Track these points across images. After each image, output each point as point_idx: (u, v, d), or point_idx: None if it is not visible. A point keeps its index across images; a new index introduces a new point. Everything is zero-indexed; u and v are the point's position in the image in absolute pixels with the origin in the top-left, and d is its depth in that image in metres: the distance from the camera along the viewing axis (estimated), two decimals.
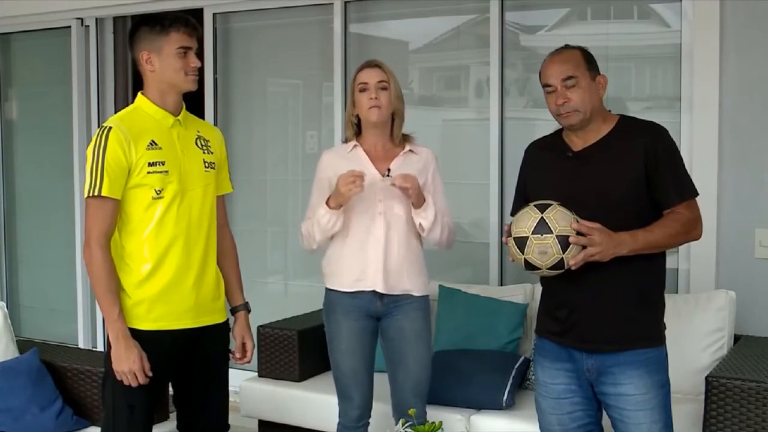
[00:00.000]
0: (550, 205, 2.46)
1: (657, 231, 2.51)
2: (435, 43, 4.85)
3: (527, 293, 3.96)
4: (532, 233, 2.42)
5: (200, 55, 2.76)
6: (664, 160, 2.54)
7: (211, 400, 2.86)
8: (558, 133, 2.71)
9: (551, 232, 2.40)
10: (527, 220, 2.45)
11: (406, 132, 3.24)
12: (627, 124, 2.64)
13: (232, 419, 2.96)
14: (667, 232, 2.52)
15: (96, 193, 2.58)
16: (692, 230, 2.58)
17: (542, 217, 2.43)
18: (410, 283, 3.16)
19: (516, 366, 3.64)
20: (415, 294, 3.16)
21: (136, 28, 2.73)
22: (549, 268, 2.44)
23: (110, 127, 2.61)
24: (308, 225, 3.17)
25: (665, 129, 2.62)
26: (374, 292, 3.12)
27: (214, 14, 5.24)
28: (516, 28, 4.50)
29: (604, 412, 2.69)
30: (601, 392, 2.63)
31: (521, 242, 2.45)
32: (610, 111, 2.68)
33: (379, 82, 3.12)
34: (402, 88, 3.25)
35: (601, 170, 2.57)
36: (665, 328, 2.64)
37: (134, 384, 2.61)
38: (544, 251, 2.42)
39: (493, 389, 3.54)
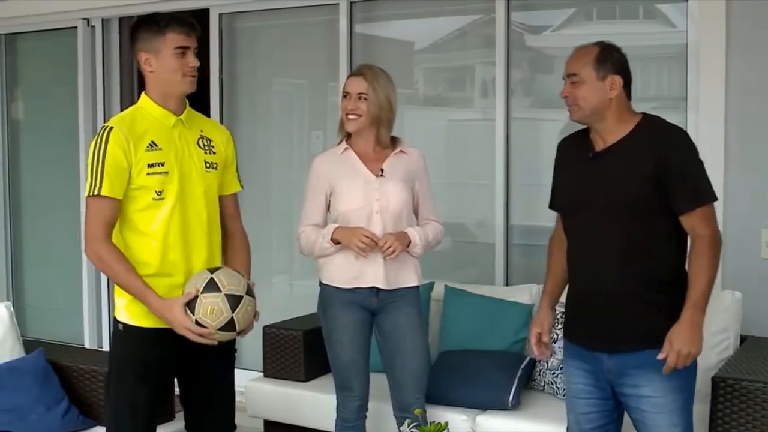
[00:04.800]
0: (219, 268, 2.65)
1: (697, 282, 2.51)
2: (440, 44, 4.85)
3: (533, 294, 3.95)
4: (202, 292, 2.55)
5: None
6: (676, 165, 2.52)
7: (218, 399, 2.86)
8: (587, 131, 2.71)
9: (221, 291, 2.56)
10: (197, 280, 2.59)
11: (396, 135, 3.31)
12: (647, 125, 2.62)
13: (238, 419, 2.95)
14: (703, 273, 2.51)
15: (96, 193, 2.58)
16: (716, 248, 2.55)
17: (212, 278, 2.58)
18: (406, 276, 3.24)
19: (522, 366, 3.64)
20: (410, 285, 3.25)
21: (135, 29, 2.72)
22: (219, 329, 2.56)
23: (111, 128, 2.61)
24: (307, 240, 3.25)
25: (683, 132, 2.61)
26: (372, 288, 3.18)
27: (220, 14, 5.23)
28: (522, 29, 4.49)
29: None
30: (621, 393, 2.65)
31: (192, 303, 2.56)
32: (635, 111, 2.67)
33: (360, 93, 3.18)
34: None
35: (612, 172, 2.57)
36: None
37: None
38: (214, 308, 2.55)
39: (498, 389, 3.54)
